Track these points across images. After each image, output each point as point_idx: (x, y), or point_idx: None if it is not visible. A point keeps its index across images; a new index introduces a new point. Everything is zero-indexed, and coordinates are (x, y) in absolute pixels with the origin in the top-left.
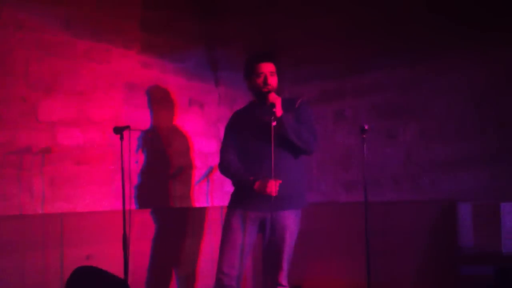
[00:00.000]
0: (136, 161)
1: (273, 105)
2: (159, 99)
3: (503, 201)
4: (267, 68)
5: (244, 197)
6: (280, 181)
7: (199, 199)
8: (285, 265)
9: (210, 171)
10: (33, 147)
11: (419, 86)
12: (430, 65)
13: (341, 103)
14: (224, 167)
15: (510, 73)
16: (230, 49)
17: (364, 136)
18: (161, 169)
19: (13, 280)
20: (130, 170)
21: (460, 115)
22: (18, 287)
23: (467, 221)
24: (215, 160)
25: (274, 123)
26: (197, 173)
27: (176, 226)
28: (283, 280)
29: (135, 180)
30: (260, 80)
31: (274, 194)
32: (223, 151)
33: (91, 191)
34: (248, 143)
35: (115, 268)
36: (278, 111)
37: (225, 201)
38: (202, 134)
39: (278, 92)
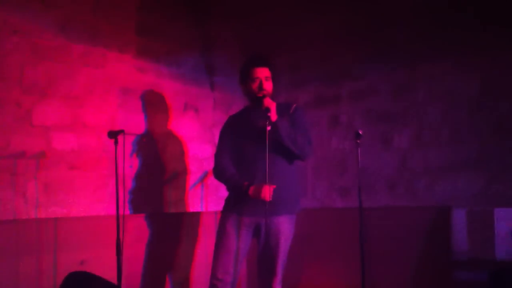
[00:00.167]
0: (131, 165)
1: (268, 110)
2: (154, 104)
3: (497, 206)
4: (262, 73)
5: (239, 202)
6: (275, 186)
7: (194, 204)
8: (280, 270)
9: (205, 176)
10: (27, 151)
11: (414, 91)
12: (425, 70)
13: (336, 108)
14: (219, 172)
15: (505, 78)
16: (226, 54)
17: (359, 141)
18: (156, 174)
19: (6, 285)
20: (124, 174)
21: (455, 120)
22: None
23: (461, 226)
24: (210, 165)
25: (268, 128)
26: (192, 178)
27: (170, 231)
28: (278, 285)
29: (130, 185)
30: (255, 85)
31: (268, 199)
32: (218, 155)
33: (85, 196)
34: (243, 147)
35: (109, 273)
36: (273, 115)
37: (220, 206)
38: (197, 139)
39: (273, 97)
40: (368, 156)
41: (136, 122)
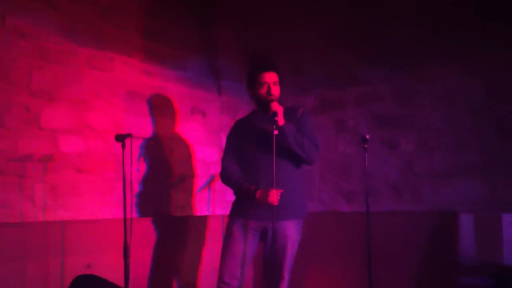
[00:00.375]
0: (138, 169)
1: (275, 114)
2: (161, 107)
3: (505, 212)
4: (271, 78)
5: (245, 207)
6: (282, 191)
7: (201, 207)
8: (286, 275)
9: (212, 179)
10: (35, 154)
11: (419, 95)
12: (430, 74)
13: (342, 113)
14: (225, 176)
15: (509, 82)
16: (231, 58)
17: (366, 145)
18: (163, 178)
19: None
20: (131, 178)
21: (460, 124)
22: None
23: (468, 231)
24: (217, 169)
25: (276, 132)
26: (199, 182)
27: (177, 234)
28: None
29: (137, 188)
30: (263, 90)
31: (275, 203)
32: (225, 159)
33: (93, 199)
34: (250, 152)
35: (116, 276)
36: (280, 120)
37: (227, 210)
38: (204, 143)
39: (280, 101)
40: (374, 160)
41: (143, 126)
